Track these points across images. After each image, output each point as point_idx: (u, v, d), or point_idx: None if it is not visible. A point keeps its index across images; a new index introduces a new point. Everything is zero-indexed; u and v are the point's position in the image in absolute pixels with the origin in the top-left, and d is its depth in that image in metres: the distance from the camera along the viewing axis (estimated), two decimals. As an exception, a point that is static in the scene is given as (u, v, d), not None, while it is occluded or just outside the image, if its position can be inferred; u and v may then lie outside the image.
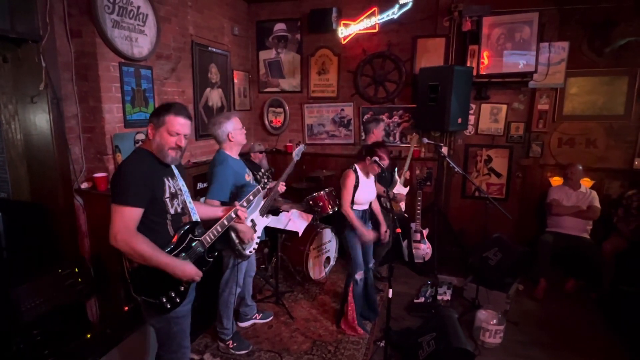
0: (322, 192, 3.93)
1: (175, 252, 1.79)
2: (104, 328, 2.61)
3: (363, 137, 3.75)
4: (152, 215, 1.73)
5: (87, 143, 2.95)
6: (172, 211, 1.80)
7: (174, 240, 1.79)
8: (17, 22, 2.40)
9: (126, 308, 2.69)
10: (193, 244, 1.86)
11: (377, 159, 2.79)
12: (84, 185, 2.94)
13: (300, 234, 3.34)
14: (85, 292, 2.68)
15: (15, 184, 2.76)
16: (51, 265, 2.55)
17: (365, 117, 4.78)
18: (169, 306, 1.78)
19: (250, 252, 2.67)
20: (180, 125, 1.76)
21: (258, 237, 2.72)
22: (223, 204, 2.46)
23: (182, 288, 1.83)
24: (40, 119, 2.66)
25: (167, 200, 1.78)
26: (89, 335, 2.51)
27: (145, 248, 1.64)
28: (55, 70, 2.68)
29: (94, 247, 2.99)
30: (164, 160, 1.80)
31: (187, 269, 1.77)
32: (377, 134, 3.70)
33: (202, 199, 3.59)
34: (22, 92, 2.64)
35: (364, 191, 2.94)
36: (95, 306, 2.95)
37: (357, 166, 2.97)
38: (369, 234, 2.92)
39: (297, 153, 2.94)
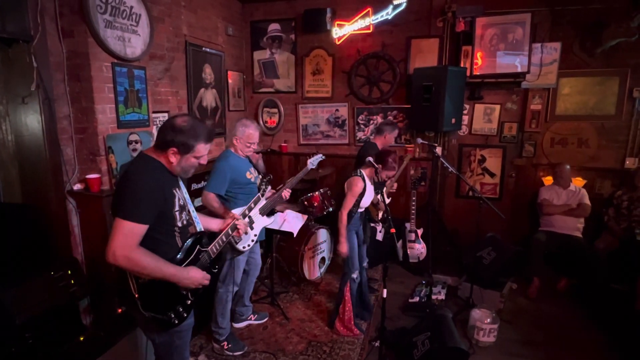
0: (316, 193, 3.93)
1: (185, 264, 1.73)
2: (97, 331, 2.59)
3: (372, 137, 3.76)
4: (161, 229, 1.65)
5: (80, 144, 2.92)
6: (179, 224, 1.73)
7: (181, 251, 1.73)
8: (8, 21, 2.37)
9: (120, 310, 2.67)
10: (200, 255, 1.81)
11: (387, 171, 2.83)
12: (77, 187, 2.91)
13: (295, 235, 3.34)
14: (78, 294, 2.65)
15: (6, 186, 2.72)
16: (43, 267, 2.52)
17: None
18: (176, 321, 1.72)
19: (244, 247, 2.66)
20: (207, 149, 1.71)
21: (255, 235, 2.71)
22: (218, 197, 2.61)
23: (189, 302, 1.78)
24: (31, 120, 2.63)
25: (177, 213, 1.70)
26: (82, 338, 2.49)
27: (148, 260, 1.55)
28: (47, 71, 2.64)
29: (87, 249, 2.96)
30: (185, 177, 1.76)
31: (192, 274, 1.71)
32: (389, 138, 3.69)
33: (196, 200, 3.60)
34: (13, 92, 2.61)
35: (368, 196, 2.96)
36: (89, 308, 2.93)
37: (363, 172, 2.95)
38: (343, 247, 2.89)
39: (312, 162, 3.03)
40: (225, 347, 2.84)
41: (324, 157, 3.13)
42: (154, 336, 1.80)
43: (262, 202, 2.56)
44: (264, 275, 3.96)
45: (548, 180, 4.30)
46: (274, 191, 2.83)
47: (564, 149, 4.28)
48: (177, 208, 1.70)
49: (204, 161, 1.73)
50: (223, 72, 4.58)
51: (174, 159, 1.64)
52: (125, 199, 1.54)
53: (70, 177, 2.89)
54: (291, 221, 3.37)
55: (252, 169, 2.82)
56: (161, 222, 1.63)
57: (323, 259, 4.12)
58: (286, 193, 2.86)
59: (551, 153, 4.33)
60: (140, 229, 1.54)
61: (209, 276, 1.79)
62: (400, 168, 4.07)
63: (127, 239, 1.51)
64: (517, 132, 4.39)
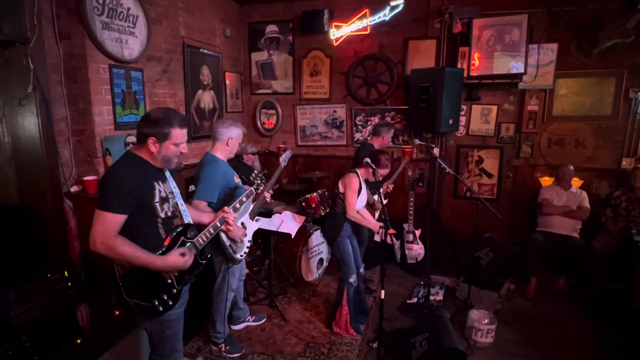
0: (314, 194, 3.93)
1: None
2: (94, 333, 2.59)
3: (369, 138, 3.82)
4: (142, 220, 1.72)
5: (77, 146, 2.92)
6: (162, 215, 1.78)
7: (167, 242, 1.78)
8: (4, 23, 2.37)
9: (117, 312, 2.67)
10: (186, 246, 1.85)
11: (381, 169, 2.85)
12: (74, 189, 2.91)
13: (293, 236, 3.34)
14: (75, 297, 2.65)
15: (3, 188, 2.72)
16: (41, 269, 2.52)
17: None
18: (161, 309, 1.77)
19: (241, 256, 2.64)
20: (184, 135, 1.79)
21: (249, 242, 2.70)
22: (210, 205, 2.46)
23: (175, 291, 1.82)
24: (28, 122, 2.62)
25: (157, 204, 1.75)
26: (79, 340, 2.48)
27: (126, 249, 1.63)
28: (44, 73, 2.64)
29: (84, 251, 2.95)
30: (168, 167, 1.83)
31: (170, 259, 1.75)
32: (386, 139, 3.70)
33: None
34: (9, 94, 2.60)
35: (363, 196, 2.95)
36: (86, 310, 2.92)
37: (359, 171, 2.96)
38: (376, 225, 2.94)
39: (284, 158, 2.96)
40: (224, 349, 2.83)
41: (292, 153, 3.17)
42: (145, 324, 1.87)
43: (250, 204, 2.51)
44: (262, 276, 3.95)
45: (545, 180, 4.31)
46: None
47: (561, 149, 4.29)
48: (157, 200, 1.75)
49: (184, 149, 1.80)
50: (221, 73, 4.58)
51: (154, 148, 1.72)
52: (103, 192, 1.66)
53: (68, 178, 2.89)
54: (289, 222, 3.37)
55: (236, 173, 2.73)
56: (141, 212, 1.70)
57: (321, 260, 4.12)
58: (268, 195, 2.81)
59: (548, 154, 4.34)
60: (117, 218, 1.63)
61: (188, 260, 1.81)
62: (398, 170, 4.07)
63: (104, 228, 1.61)
64: (515, 133, 4.40)
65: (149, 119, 1.72)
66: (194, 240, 1.90)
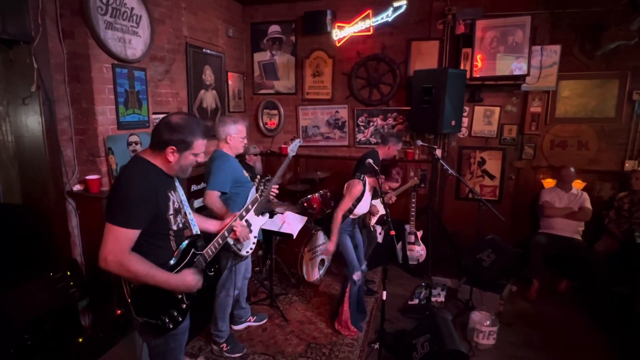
0: (316, 194, 3.93)
1: (179, 268, 1.69)
2: (96, 332, 2.60)
3: (376, 142, 3.77)
4: (154, 233, 1.62)
5: (80, 145, 2.92)
6: (174, 227, 1.68)
7: (176, 255, 1.70)
8: (8, 23, 2.38)
9: (119, 311, 2.68)
10: (195, 259, 1.78)
11: (391, 182, 2.89)
12: (76, 188, 2.91)
13: (294, 236, 3.33)
14: (77, 296, 2.65)
15: (6, 187, 2.73)
16: (43, 268, 2.52)
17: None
18: (171, 326, 1.69)
19: (247, 252, 2.63)
20: (204, 145, 1.69)
21: (255, 237, 2.70)
22: (223, 195, 2.52)
23: (184, 306, 1.75)
24: (31, 121, 2.63)
25: (171, 217, 1.66)
26: (81, 339, 2.49)
27: (140, 267, 1.52)
28: (47, 72, 2.65)
29: (86, 250, 2.96)
30: (183, 176, 1.74)
31: (187, 279, 1.67)
32: (392, 149, 3.71)
33: (195, 202, 3.59)
34: (13, 93, 2.61)
35: (364, 204, 2.96)
36: (88, 310, 2.93)
37: (367, 179, 2.95)
38: (332, 246, 2.93)
39: (292, 148, 2.91)
40: (225, 348, 2.83)
41: (301, 141, 3.09)
42: (148, 339, 1.78)
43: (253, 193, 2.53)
44: (264, 277, 3.95)
45: (548, 182, 4.30)
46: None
47: (564, 151, 4.28)
48: (171, 212, 1.66)
49: (201, 159, 1.72)
50: (223, 73, 4.59)
51: (172, 157, 1.61)
52: (116, 204, 1.53)
53: (70, 178, 2.89)
54: (291, 223, 3.36)
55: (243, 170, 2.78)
56: (155, 226, 1.60)
57: (322, 260, 4.12)
58: (274, 189, 2.80)
59: (551, 155, 4.33)
60: (131, 234, 1.51)
61: (202, 280, 1.76)
62: (404, 186, 4.03)
63: (118, 244, 1.49)
64: (517, 135, 4.40)
65: (171, 124, 1.59)
66: (203, 252, 1.82)
